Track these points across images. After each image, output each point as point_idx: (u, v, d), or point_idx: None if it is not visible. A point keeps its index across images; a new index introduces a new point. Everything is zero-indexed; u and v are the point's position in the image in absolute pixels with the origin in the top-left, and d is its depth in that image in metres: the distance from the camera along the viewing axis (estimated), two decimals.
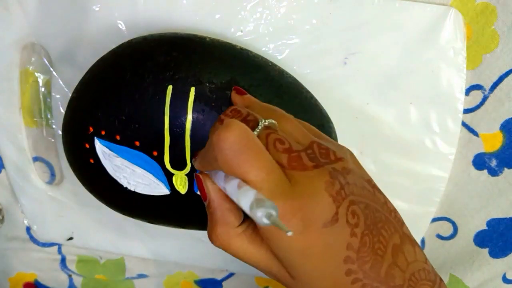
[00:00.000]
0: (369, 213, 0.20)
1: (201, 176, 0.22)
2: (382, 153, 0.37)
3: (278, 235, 0.19)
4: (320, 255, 0.19)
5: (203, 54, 0.29)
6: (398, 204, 0.38)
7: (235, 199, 0.19)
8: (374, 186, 0.22)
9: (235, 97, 0.28)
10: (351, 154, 0.23)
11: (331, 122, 0.33)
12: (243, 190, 0.18)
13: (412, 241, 0.22)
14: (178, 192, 0.30)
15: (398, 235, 0.21)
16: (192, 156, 0.28)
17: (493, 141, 0.36)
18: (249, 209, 0.16)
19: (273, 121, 0.22)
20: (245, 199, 0.17)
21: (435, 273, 0.22)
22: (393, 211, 0.22)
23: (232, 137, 0.18)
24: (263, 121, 0.22)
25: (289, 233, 0.16)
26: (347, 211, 0.20)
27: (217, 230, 0.22)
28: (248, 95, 0.28)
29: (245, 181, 0.19)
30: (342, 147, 0.23)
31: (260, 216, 0.16)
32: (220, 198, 0.22)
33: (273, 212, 0.16)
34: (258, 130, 0.21)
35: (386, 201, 0.22)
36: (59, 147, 0.38)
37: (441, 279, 0.22)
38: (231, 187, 0.19)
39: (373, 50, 0.34)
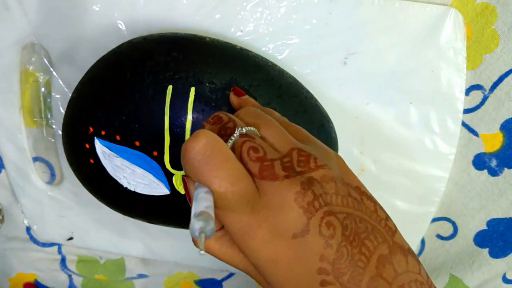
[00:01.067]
0: (349, 224, 0.20)
1: (186, 179, 0.22)
2: (382, 153, 0.37)
3: (246, 244, 0.19)
4: (290, 265, 0.19)
5: (203, 54, 0.29)
6: (398, 204, 0.38)
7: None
8: (363, 193, 0.22)
9: (232, 98, 0.28)
10: (338, 159, 0.23)
11: (331, 122, 0.33)
12: (198, 199, 0.18)
13: (405, 250, 0.21)
14: (178, 192, 0.30)
15: (387, 245, 0.20)
16: None
17: (493, 141, 0.36)
18: (192, 216, 0.17)
19: (253, 128, 0.22)
20: (195, 207, 0.18)
21: (430, 283, 0.21)
22: (383, 219, 0.21)
23: (197, 148, 0.19)
24: (240, 128, 0.22)
25: (201, 252, 0.16)
26: (321, 222, 0.19)
27: None
28: (246, 97, 0.28)
29: (211, 190, 0.19)
30: (329, 152, 0.23)
31: (195, 228, 0.16)
32: None
33: (208, 230, 0.16)
34: (233, 138, 0.21)
35: (376, 209, 0.22)
36: (59, 147, 0.38)
37: None
38: (195, 193, 0.19)
39: (373, 50, 0.34)
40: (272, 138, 0.22)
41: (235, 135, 0.21)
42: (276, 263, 0.19)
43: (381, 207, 0.22)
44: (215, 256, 0.22)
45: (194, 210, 0.17)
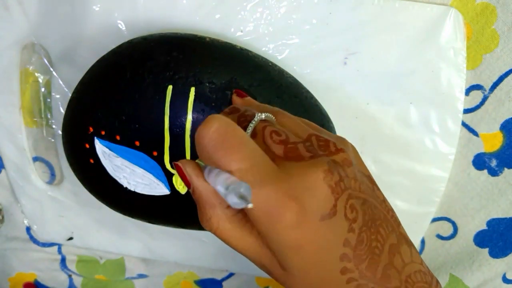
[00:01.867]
0: (367, 209, 0.20)
1: (180, 163, 0.22)
2: (382, 153, 0.37)
3: (271, 226, 0.18)
4: (315, 251, 0.19)
5: (203, 54, 0.29)
6: (398, 204, 0.38)
7: (215, 187, 0.18)
8: (373, 182, 0.22)
9: (235, 99, 0.28)
10: (353, 147, 0.23)
11: (331, 122, 0.33)
12: (216, 176, 0.18)
13: (408, 241, 0.21)
14: (178, 192, 0.30)
15: (395, 234, 0.21)
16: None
17: (493, 141, 0.36)
18: (224, 191, 0.16)
19: (270, 115, 0.22)
20: (219, 184, 0.17)
21: (432, 275, 0.21)
22: (390, 210, 0.22)
23: (210, 133, 0.18)
24: (259, 114, 0.22)
25: (250, 205, 0.16)
26: (346, 204, 0.19)
27: (206, 214, 0.21)
28: (248, 97, 0.28)
29: (230, 173, 0.18)
30: (344, 139, 0.23)
31: (234, 202, 0.16)
32: (203, 182, 0.21)
33: (246, 194, 0.16)
34: (254, 123, 0.21)
35: (384, 199, 0.22)
36: (59, 147, 0.38)
37: (437, 281, 0.21)
38: (212, 173, 0.19)
39: (373, 50, 0.34)
40: (289, 126, 0.22)
41: (255, 119, 0.21)
42: (301, 248, 0.19)
43: (387, 199, 0.22)
44: (225, 240, 0.21)
45: (220, 187, 0.17)
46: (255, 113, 0.22)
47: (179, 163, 0.22)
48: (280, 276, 0.21)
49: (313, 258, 0.19)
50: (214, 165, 0.19)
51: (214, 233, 0.22)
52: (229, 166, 0.18)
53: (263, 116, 0.22)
